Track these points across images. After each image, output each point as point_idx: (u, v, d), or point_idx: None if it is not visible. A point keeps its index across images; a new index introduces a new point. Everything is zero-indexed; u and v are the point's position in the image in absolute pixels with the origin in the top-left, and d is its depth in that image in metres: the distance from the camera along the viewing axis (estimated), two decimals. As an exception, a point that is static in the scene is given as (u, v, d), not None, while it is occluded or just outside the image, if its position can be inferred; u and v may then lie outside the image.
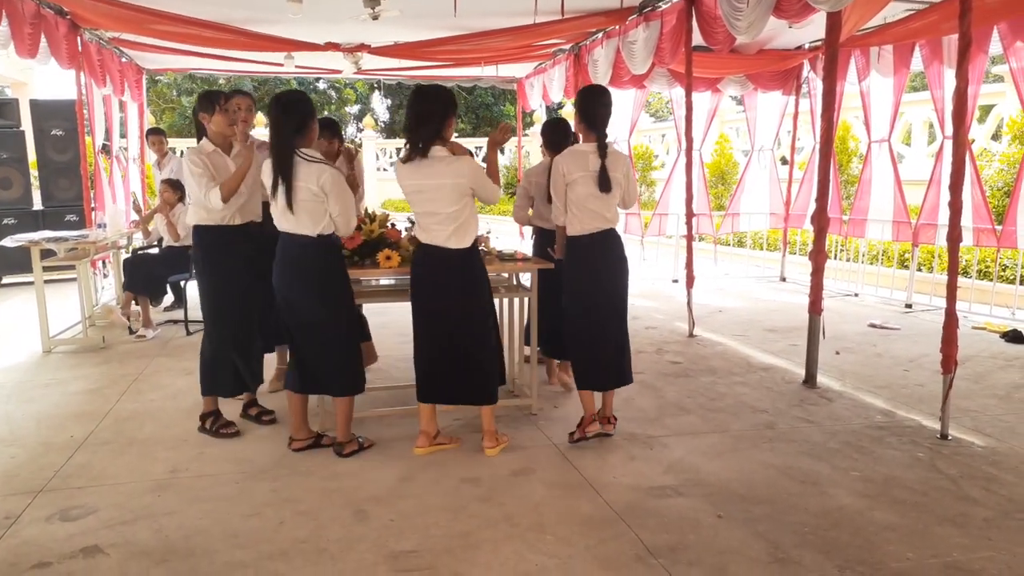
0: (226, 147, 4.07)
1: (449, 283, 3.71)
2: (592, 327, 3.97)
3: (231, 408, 4.38)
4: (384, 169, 24.00)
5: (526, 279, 4.72)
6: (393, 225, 4.49)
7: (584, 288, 3.95)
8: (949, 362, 4.08)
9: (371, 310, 5.30)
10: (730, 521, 3.17)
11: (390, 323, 6.29)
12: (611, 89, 8.27)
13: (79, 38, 7.26)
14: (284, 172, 3.55)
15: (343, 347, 3.82)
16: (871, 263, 8.92)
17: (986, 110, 10.16)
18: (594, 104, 3.89)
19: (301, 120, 3.60)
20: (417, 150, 3.58)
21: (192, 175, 3.90)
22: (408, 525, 3.14)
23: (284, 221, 3.66)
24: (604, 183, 3.79)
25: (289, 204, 3.55)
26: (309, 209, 3.58)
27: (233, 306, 4.10)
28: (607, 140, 3.89)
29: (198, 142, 4.10)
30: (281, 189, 3.55)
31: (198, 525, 3.14)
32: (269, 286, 3.86)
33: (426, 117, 3.55)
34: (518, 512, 3.25)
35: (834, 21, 4.88)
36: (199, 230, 4.06)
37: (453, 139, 3.74)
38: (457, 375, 3.82)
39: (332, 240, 3.73)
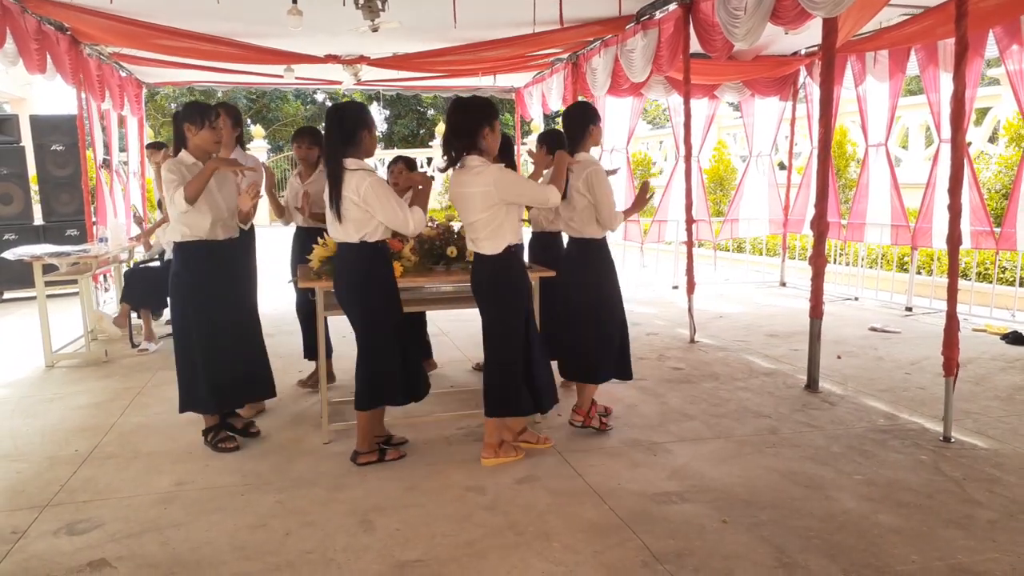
0: (206, 162, 4.02)
1: (479, 289, 3.84)
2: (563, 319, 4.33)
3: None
4: (384, 179, 23.97)
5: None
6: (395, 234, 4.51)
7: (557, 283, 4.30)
8: (951, 365, 4.09)
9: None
10: (735, 526, 3.18)
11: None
12: (608, 98, 8.34)
13: (80, 54, 7.29)
14: (333, 182, 3.61)
15: (369, 358, 3.82)
16: (870, 267, 8.94)
17: (982, 113, 10.19)
18: (566, 121, 4.25)
19: (351, 131, 3.63)
20: (452, 161, 3.72)
21: (166, 183, 3.86)
22: (414, 534, 3.14)
23: (333, 229, 3.73)
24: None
25: (337, 213, 3.62)
26: (353, 217, 3.62)
27: (217, 323, 4.05)
28: (582, 152, 4.18)
29: (175, 152, 4.05)
30: (332, 199, 3.63)
31: (204, 537, 3.14)
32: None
33: (456, 129, 3.67)
34: (523, 520, 3.26)
35: (830, 27, 4.91)
36: (181, 247, 4.01)
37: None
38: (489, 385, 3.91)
39: (376, 247, 3.71)
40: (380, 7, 5.75)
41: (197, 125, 3.95)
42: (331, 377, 5.24)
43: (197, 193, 3.82)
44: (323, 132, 3.73)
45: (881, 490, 3.51)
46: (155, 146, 7.83)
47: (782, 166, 10.42)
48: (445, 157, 3.76)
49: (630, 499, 3.45)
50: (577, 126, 4.18)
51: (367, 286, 3.76)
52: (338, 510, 3.37)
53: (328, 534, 3.16)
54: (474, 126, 3.63)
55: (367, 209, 3.59)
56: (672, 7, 6.38)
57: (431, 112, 29.03)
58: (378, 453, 3.93)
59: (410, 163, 5.44)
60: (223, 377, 4.06)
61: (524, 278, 3.88)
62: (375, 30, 6.02)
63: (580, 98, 8.55)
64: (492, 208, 3.64)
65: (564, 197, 4.01)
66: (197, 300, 4.00)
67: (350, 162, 3.62)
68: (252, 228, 4.76)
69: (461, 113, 3.67)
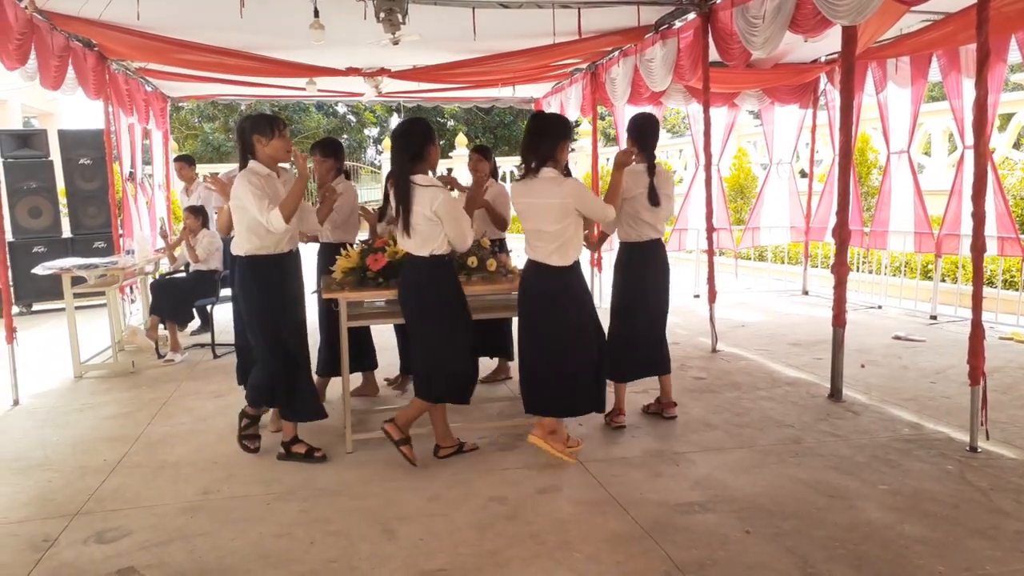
0: (277, 172, 4.05)
1: (546, 297, 3.93)
2: (639, 324, 4.56)
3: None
4: (403, 190, 24.10)
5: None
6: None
7: (634, 289, 4.53)
8: (977, 374, 4.05)
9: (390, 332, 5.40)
10: (758, 536, 3.17)
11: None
12: (627, 107, 8.33)
13: (107, 70, 7.43)
14: (402, 198, 3.79)
15: (439, 356, 3.98)
16: (894, 275, 8.86)
17: (1006, 118, 10.08)
18: (641, 129, 4.47)
19: (418, 147, 3.83)
20: (530, 170, 3.85)
21: (251, 196, 3.81)
22: (437, 544, 3.16)
23: (403, 242, 3.93)
24: (653, 198, 4.35)
25: (406, 228, 3.81)
26: (423, 232, 3.80)
27: (294, 334, 4.09)
28: (654, 160, 4.44)
29: (243, 165, 3.99)
30: (401, 214, 3.81)
31: (231, 546, 3.18)
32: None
33: (539, 141, 3.84)
34: (545, 530, 3.26)
35: (850, 34, 4.90)
36: (250, 261, 3.98)
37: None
38: (555, 388, 3.98)
39: (443, 260, 3.92)
40: (401, 20, 5.81)
41: (267, 135, 3.93)
42: (375, 389, 5.38)
43: (293, 211, 3.86)
44: (392, 149, 3.88)
45: (906, 500, 3.48)
46: (185, 160, 7.92)
47: (803, 174, 10.36)
48: (523, 166, 3.91)
49: (652, 509, 3.45)
50: (650, 134, 4.46)
51: (431, 296, 3.93)
52: (362, 519, 3.40)
53: (352, 543, 3.19)
54: (554, 140, 3.83)
55: (436, 224, 3.77)
56: (691, 16, 6.39)
57: (451, 123, 29.19)
58: (458, 447, 4.19)
59: (485, 151, 5.45)
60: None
61: (585, 291, 4.02)
62: (396, 43, 6.08)
63: (597, 107, 8.58)
64: (566, 220, 3.79)
65: (656, 203, 4.34)
66: (278, 305, 4.06)
67: (420, 178, 3.80)
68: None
69: (543, 126, 3.91)
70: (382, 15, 5.74)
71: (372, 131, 30.46)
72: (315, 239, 4.96)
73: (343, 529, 3.31)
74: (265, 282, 4.00)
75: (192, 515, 3.48)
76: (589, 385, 4.00)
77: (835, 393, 5.08)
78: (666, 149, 16.59)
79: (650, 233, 4.48)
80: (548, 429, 4.05)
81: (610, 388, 4.34)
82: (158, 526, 3.37)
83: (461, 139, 22.91)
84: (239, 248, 4.01)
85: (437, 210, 3.73)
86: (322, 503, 3.59)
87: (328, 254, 4.88)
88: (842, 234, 5.03)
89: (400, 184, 3.80)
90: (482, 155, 5.39)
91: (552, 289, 3.91)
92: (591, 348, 3.99)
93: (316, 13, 5.68)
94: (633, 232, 4.49)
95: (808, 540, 3.13)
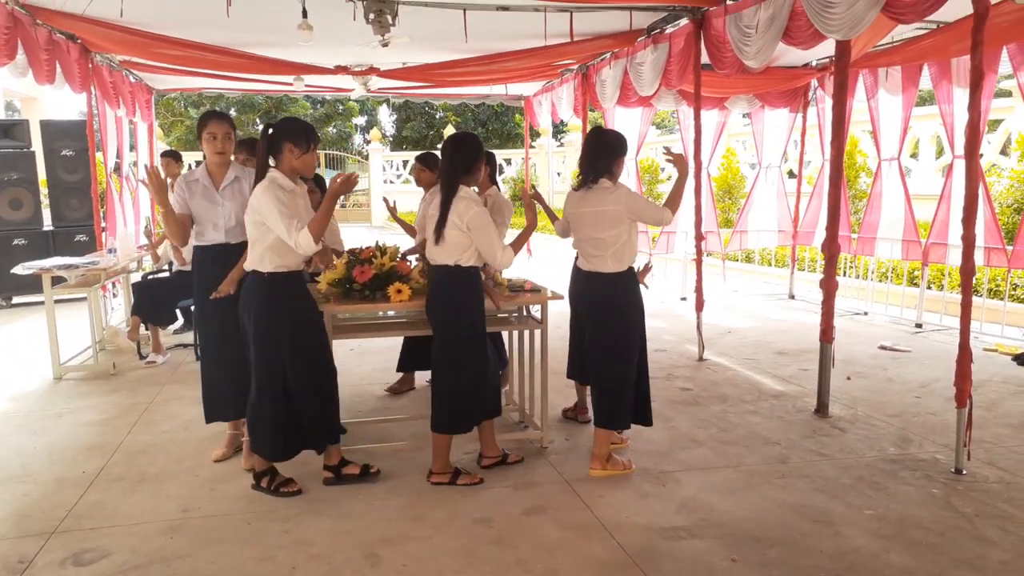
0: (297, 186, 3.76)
1: (604, 304, 4.09)
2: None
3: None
4: (391, 181, 24.04)
5: (536, 310, 4.69)
6: (404, 257, 4.49)
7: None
8: (963, 396, 4.04)
9: (382, 344, 5.35)
10: (744, 565, 3.15)
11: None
12: (618, 108, 8.27)
13: (90, 62, 7.30)
14: (445, 207, 3.77)
15: (449, 378, 3.94)
16: (880, 280, 8.88)
17: (994, 124, 10.10)
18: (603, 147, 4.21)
19: (472, 161, 3.86)
20: (587, 182, 4.04)
21: (278, 214, 3.48)
22: (420, 570, 3.12)
23: (431, 252, 3.90)
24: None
25: (438, 237, 3.79)
26: (452, 240, 3.78)
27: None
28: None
29: (260, 168, 3.65)
30: (440, 223, 3.78)
31: (210, 570, 3.13)
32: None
33: (599, 155, 4.03)
34: (531, 556, 3.23)
35: (843, 48, 4.86)
36: (277, 278, 3.65)
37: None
38: (626, 396, 4.11)
39: (470, 271, 3.86)
40: (390, 22, 5.73)
41: (303, 147, 3.62)
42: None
43: (322, 232, 3.57)
44: (447, 158, 3.85)
45: (892, 526, 3.47)
46: (172, 155, 7.80)
47: (792, 175, 10.35)
48: (580, 177, 4.11)
49: (638, 534, 3.42)
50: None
51: (452, 308, 3.89)
52: (345, 542, 3.36)
53: (335, 568, 3.14)
54: (612, 155, 4.02)
55: (468, 235, 3.76)
56: (683, 22, 6.34)
57: (440, 115, 29.03)
58: (451, 476, 3.97)
59: (427, 160, 5.24)
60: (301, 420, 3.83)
61: (641, 297, 4.13)
62: (385, 45, 6.00)
63: (593, 112, 8.52)
64: (620, 227, 3.97)
65: None
66: (298, 338, 3.74)
67: (462, 190, 3.80)
68: None
69: (604, 142, 4.06)
70: (372, 16, 5.67)
71: (359, 120, 30.23)
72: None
73: (326, 552, 3.26)
74: (294, 306, 3.75)
75: (172, 535, 3.42)
76: (647, 393, 4.23)
77: (821, 408, 5.07)
78: (654, 146, 16.50)
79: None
80: (604, 457, 4.06)
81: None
82: (137, 547, 3.31)
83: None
84: (260, 264, 3.65)
85: (468, 221, 3.73)
86: (305, 523, 3.54)
87: None
88: (831, 248, 5.00)
89: (446, 193, 3.78)
90: (424, 164, 5.24)
91: (610, 295, 4.03)
92: (641, 354, 4.16)
93: (304, 13, 5.59)
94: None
95: (794, 569, 3.11)
